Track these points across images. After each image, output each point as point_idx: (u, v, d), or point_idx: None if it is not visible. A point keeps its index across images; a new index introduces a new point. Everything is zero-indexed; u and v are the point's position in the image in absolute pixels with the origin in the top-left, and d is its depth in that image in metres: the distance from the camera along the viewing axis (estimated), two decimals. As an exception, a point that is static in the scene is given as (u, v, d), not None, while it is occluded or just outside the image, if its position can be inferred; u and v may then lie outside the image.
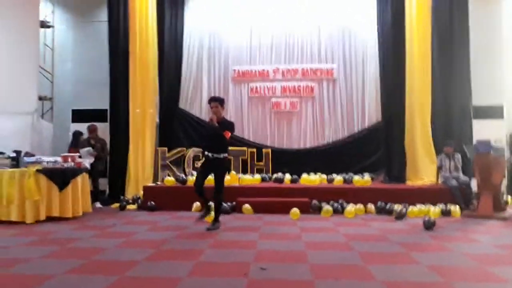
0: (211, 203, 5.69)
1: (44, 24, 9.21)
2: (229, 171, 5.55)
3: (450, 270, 3.54)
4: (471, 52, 8.07)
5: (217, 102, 5.41)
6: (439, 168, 7.33)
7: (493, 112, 8.33)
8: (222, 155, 5.32)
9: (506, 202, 7.12)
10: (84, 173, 6.61)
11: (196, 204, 7.04)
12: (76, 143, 8.03)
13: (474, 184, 6.90)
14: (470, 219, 6.26)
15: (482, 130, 7.85)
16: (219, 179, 5.35)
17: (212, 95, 9.11)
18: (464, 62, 8.06)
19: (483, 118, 8.17)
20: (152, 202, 7.14)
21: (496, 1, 8.73)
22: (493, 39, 8.51)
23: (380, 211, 6.73)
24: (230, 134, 5.33)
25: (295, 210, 6.41)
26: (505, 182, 7.74)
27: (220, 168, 5.38)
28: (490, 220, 6.14)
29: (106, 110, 8.59)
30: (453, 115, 8.07)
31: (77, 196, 6.27)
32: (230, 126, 5.46)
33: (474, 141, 7.26)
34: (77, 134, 8.23)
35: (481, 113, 8.20)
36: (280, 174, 7.95)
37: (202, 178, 5.48)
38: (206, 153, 5.44)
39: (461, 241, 4.72)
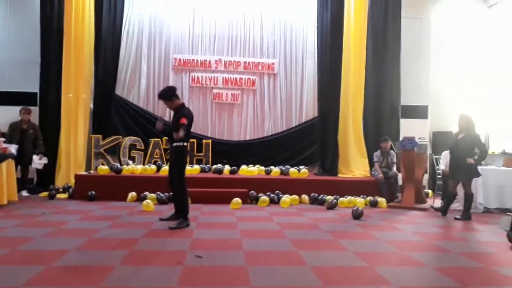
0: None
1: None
2: (180, 161, 4.99)
3: (374, 256, 3.80)
4: (401, 55, 8.67)
5: (161, 99, 5.08)
6: (376, 163, 7.75)
7: (419, 112, 9.02)
8: (174, 144, 4.91)
9: (427, 195, 7.75)
10: (10, 160, 6.17)
11: (132, 194, 6.87)
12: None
13: (400, 178, 7.42)
14: (395, 209, 6.75)
15: (409, 128, 8.47)
16: (173, 168, 5.02)
17: (152, 82, 8.95)
18: (395, 65, 8.68)
19: (409, 117, 8.82)
20: (93, 192, 6.85)
21: (427, 10, 9.42)
22: (421, 44, 9.18)
23: (313, 201, 7.05)
24: (185, 119, 4.76)
25: (236, 200, 6.49)
26: (426, 177, 8.44)
27: (172, 157, 5.07)
28: (412, 211, 6.67)
29: (36, 93, 8.07)
30: (383, 113, 8.64)
31: (1, 183, 5.85)
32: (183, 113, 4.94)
33: (401, 138, 7.80)
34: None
35: (408, 113, 8.85)
36: (219, 165, 7.98)
37: (169, 172, 5.15)
38: None
39: (385, 230, 5.09)
